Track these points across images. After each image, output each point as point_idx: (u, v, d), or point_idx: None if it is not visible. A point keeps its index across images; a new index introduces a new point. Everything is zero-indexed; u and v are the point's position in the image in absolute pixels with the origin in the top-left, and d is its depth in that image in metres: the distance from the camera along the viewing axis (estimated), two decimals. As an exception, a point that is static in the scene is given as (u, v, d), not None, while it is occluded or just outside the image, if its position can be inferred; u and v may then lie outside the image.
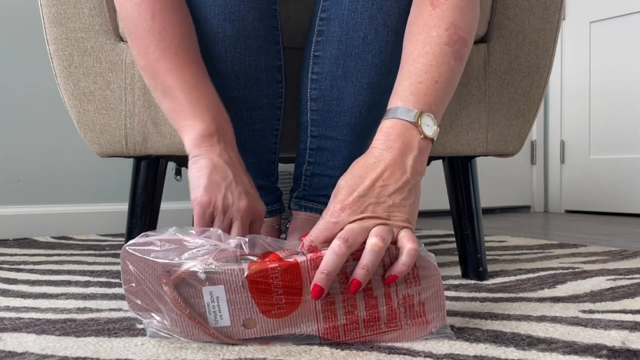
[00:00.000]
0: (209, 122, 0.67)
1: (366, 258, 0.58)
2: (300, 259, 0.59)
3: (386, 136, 0.64)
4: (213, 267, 0.59)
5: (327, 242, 0.60)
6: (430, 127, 0.64)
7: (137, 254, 0.60)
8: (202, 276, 0.59)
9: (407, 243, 0.59)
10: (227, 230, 0.66)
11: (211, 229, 0.63)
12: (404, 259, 0.59)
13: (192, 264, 0.59)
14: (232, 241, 0.61)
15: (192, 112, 0.68)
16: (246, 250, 0.61)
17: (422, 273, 0.61)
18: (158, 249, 0.60)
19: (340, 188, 0.62)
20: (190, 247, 0.60)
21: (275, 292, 0.59)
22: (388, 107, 0.67)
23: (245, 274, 0.59)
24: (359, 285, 0.58)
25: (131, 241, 0.61)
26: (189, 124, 0.68)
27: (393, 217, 0.61)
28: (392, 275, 0.59)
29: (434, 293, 0.61)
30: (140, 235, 0.62)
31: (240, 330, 0.60)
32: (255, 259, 0.60)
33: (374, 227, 0.60)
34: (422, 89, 0.65)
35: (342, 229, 0.60)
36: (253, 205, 0.67)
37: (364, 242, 0.59)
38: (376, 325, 0.61)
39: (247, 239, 0.61)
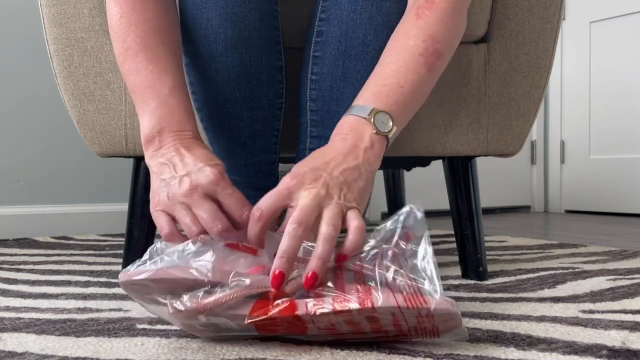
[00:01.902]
0: (153, 125, 0.68)
1: (320, 248, 0.58)
2: (300, 310, 0.55)
3: (340, 129, 0.67)
4: (215, 311, 0.56)
5: (276, 210, 0.61)
6: (385, 124, 0.67)
7: (134, 290, 0.59)
8: (203, 319, 0.57)
9: (353, 221, 0.60)
10: (194, 217, 0.63)
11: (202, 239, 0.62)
12: (350, 237, 0.59)
13: (192, 306, 0.56)
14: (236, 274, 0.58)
15: (142, 113, 0.69)
16: (247, 289, 0.57)
17: (441, 327, 0.56)
18: (152, 283, 0.57)
19: (292, 170, 0.63)
20: (187, 286, 0.57)
21: (280, 328, 0.58)
22: (352, 105, 0.69)
23: (248, 322, 0.57)
24: (315, 277, 0.57)
25: (124, 275, 0.58)
26: (141, 128, 0.70)
27: (344, 195, 0.62)
28: (342, 255, 0.59)
29: (448, 320, 0.56)
30: (133, 265, 0.59)
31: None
32: (257, 298, 0.57)
33: (326, 205, 0.60)
34: (385, 91, 0.68)
35: (293, 198, 0.60)
36: (196, 181, 0.63)
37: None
38: (384, 337, 0.60)
39: (249, 262, 0.59)
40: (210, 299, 0.55)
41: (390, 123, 0.67)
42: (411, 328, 0.57)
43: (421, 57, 0.69)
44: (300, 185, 0.61)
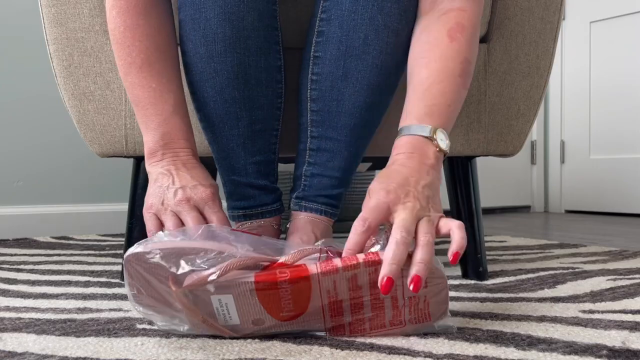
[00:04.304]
0: (157, 140, 0.75)
1: (422, 253, 0.61)
2: (312, 270, 0.60)
3: (402, 148, 0.70)
4: (222, 280, 0.59)
5: (380, 222, 0.64)
6: (444, 141, 0.71)
7: (141, 265, 0.60)
8: (212, 289, 0.59)
9: (452, 222, 0.64)
10: (179, 223, 0.71)
11: (203, 225, 0.67)
12: (457, 234, 0.63)
13: (200, 275, 0.58)
14: (239, 247, 0.61)
15: (146, 128, 0.76)
16: (254, 255, 0.61)
17: (429, 277, 0.61)
18: (160, 258, 0.59)
19: (375, 187, 0.67)
20: (193, 254, 0.60)
21: (283, 299, 0.60)
22: (402, 126, 0.72)
23: (253, 287, 0.59)
24: (419, 280, 0.59)
25: (132, 250, 0.60)
26: (144, 140, 0.76)
27: (432, 207, 0.66)
28: (456, 252, 0.62)
29: (439, 294, 0.63)
30: (142, 242, 0.61)
31: (250, 327, 0.62)
32: (265, 264, 0.61)
33: (421, 217, 0.64)
34: (436, 110, 0.72)
35: (392, 212, 0.64)
36: (190, 195, 0.71)
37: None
38: (381, 323, 0.62)
39: (251, 247, 0.62)
40: (222, 264, 0.59)
41: (447, 140, 0.72)
42: (406, 299, 0.62)
43: (460, 77, 0.74)
44: (397, 201, 0.65)
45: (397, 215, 0.64)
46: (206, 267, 0.59)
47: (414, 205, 0.64)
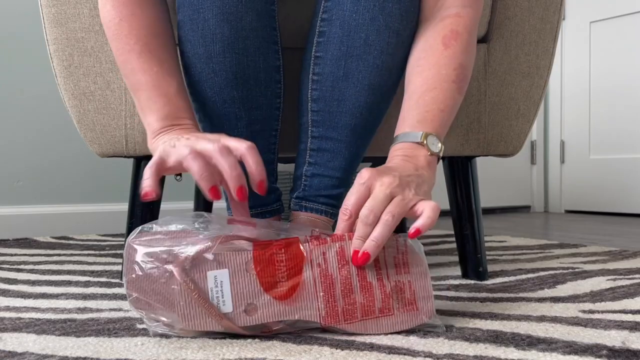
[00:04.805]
0: (162, 119, 0.73)
1: (376, 232, 0.64)
2: (302, 238, 0.65)
3: (397, 154, 0.73)
4: (220, 249, 0.62)
5: (360, 206, 0.65)
6: (435, 145, 0.73)
7: (142, 244, 0.62)
8: (210, 257, 0.62)
9: (427, 203, 0.66)
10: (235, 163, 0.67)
11: (205, 213, 0.68)
12: (426, 212, 0.65)
13: (199, 247, 0.62)
14: (235, 227, 0.65)
15: (149, 109, 0.74)
16: (250, 235, 0.64)
17: (410, 260, 0.66)
18: (163, 237, 0.63)
19: (363, 170, 0.69)
20: (193, 233, 0.64)
21: (278, 270, 0.63)
22: (396, 134, 0.75)
23: (251, 252, 0.62)
24: (368, 257, 0.63)
25: (135, 232, 0.64)
26: (147, 122, 0.75)
27: (414, 189, 0.68)
28: (417, 228, 0.64)
29: (422, 281, 0.66)
30: (142, 226, 0.65)
31: (242, 316, 0.62)
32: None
33: (395, 196, 0.66)
34: (429, 116, 0.75)
35: (369, 193, 0.66)
36: (225, 141, 0.67)
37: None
38: (371, 309, 0.64)
39: (249, 227, 0.65)
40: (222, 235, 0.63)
41: (439, 144, 0.74)
42: (392, 286, 0.65)
43: (454, 83, 0.76)
44: (377, 178, 0.67)
45: (372, 192, 0.66)
46: (207, 239, 0.62)
47: (392, 181, 0.66)
